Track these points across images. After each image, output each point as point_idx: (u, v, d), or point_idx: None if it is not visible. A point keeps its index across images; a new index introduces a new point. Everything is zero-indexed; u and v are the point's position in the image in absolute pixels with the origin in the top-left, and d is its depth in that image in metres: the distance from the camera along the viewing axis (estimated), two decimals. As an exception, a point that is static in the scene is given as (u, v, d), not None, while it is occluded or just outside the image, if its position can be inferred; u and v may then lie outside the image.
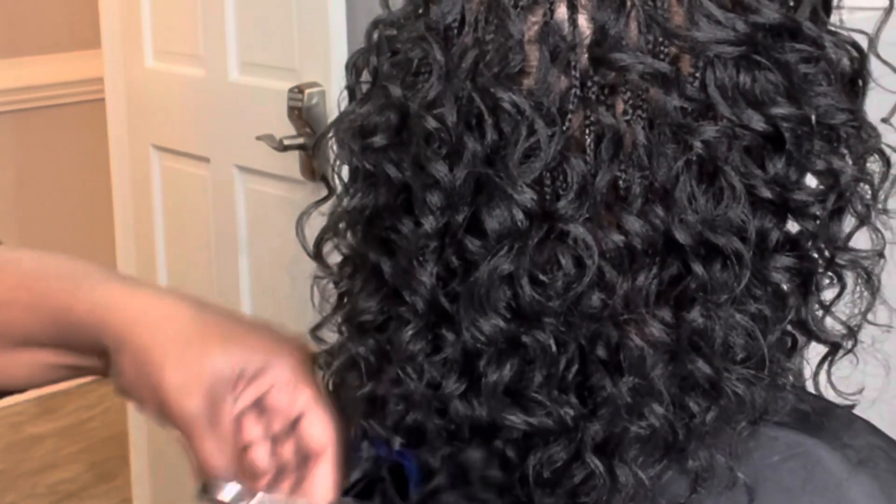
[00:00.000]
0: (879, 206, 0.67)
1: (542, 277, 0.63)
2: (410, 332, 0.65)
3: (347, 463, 0.72)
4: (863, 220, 0.67)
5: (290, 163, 2.06)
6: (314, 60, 2.00)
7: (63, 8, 3.61)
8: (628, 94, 0.62)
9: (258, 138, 2.06)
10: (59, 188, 3.67)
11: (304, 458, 0.71)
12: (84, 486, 3.17)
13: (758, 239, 0.63)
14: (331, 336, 0.73)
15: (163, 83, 2.41)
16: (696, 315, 0.63)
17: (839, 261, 0.67)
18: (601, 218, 0.63)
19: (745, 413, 0.65)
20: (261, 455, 0.71)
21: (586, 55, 0.62)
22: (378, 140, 0.66)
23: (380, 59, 0.67)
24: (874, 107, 0.68)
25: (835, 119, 0.64)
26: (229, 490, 0.69)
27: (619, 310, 0.63)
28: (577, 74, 0.62)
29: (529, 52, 0.63)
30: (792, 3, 0.65)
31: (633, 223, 0.62)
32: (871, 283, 0.68)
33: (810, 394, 0.71)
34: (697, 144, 0.62)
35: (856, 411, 0.72)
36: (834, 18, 0.67)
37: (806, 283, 0.67)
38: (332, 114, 0.70)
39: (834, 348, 0.69)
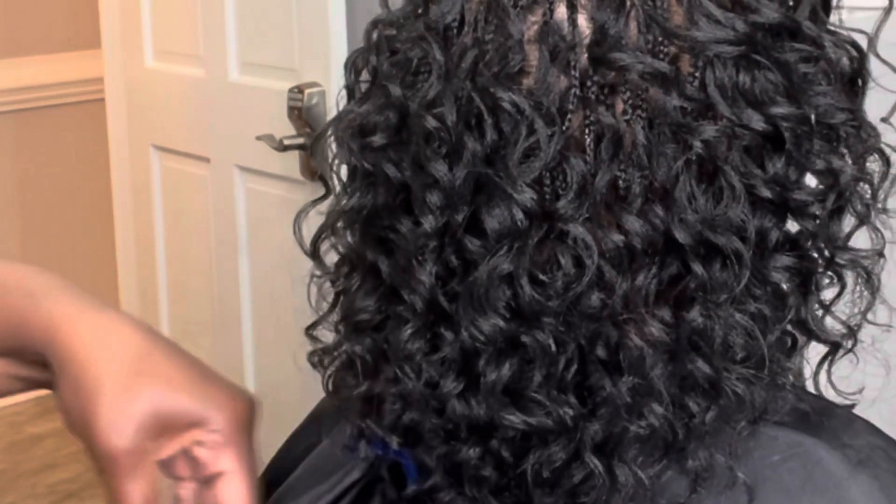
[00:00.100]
0: (879, 205, 0.67)
1: (541, 277, 0.63)
2: (409, 332, 0.65)
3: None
4: (862, 220, 0.67)
5: (290, 163, 2.06)
6: (314, 60, 2.00)
7: (63, 8, 3.61)
8: (628, 93, 0.62)
9: (258, 138, 2.06)
10: (60, 188, 3.67)
11: None
12: (84, 486, 3.17)
13: (757, 238, 0.63)
14: (328, 335, 0.73)
15: (163, 83, 2.41)
16: (695, 315, 0.63)
17: (839, 260, 0.67)
18: (601, 218, 0.63)
19: (745, 413, 0.65)
20: (185, 493, 0.71)
21: (586, 55, 0.62)
22: (377, 139, 0.66)
23: (379, 58, 0.67)
24: (874, 107, 0.68)
25: (834, 118, 0.64)
26: None
27: (619, 309, 0.63)
28: (577, 74, 0.62)
29: (529, 52, 0.63)
30: (791, 3, 0.65)
31: (633, 223, 0.62)
32: (870, 283, 0.68)
33: (810, 393, 0.71)
34: (697, 144, 0.62)
35: (856, 411, 0.72)
36: (834, 18, 0.67)
37: (806, 283, 0.67)
38: (332, 114, 0.70)
39: (834, 348, 0.69)
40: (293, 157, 2.05)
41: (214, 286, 2.33)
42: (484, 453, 0.66)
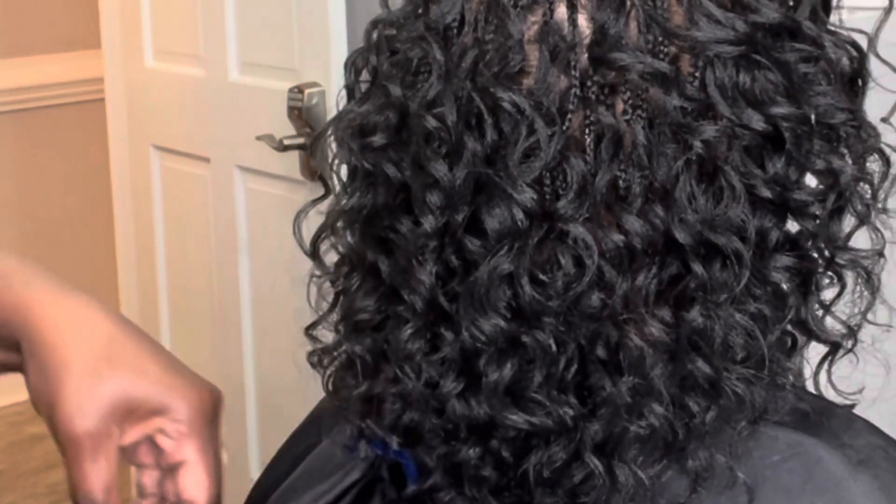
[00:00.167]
0: (879, 205, 0.67)
1: (541, 277, 0.63)
2: (409, 332, 0.65)
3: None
4: (862, 220, 0.67)
5: (290, 163, 2.06)
6: (314, 60, 2.00)
7: (63, 8, 3.61)
8: (628, 93, 0.62)
9: (258, 138, 2.06)
10: (60, 188, 3.67)
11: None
12: (84, 486, 3.17)
13: (757, 238, 0.63)
14: (328, 335, 0.73)
15: (163, 83, 2.41)
16: (695, 315, 0.63)
17: (839, 260, 0.67)
18: (601, 218, 0.63)
19: (745, 413, 0.65)
20: (147, 480, 0.71)
21: (586, 55, 0.62)
22: (377, 139, 0.66)
23: (379, 58, 0.67)
24: (874, 107, 0.68)
25: (834, 118, 0.64)
26: None
27: (619, 309, 0.63)
28: (577, 74, 0.62)
29: (529, 52, 0.63)
30: (791, 3, 0.65)
31: (633, 223, 0.62)
32: (871, 283, 0.68)
33: (810, 393, 0.71)
34: (697, 144, 0.62)
35: (856, 411, 0.72)
36: (834, 18, 0.67)
37: (806, 283, 0.67)
38: (332, 114, 0.70)
39: (834, 348, 0.69)
40: (293, 157, 2.05)
41: (214, 286, 2.33)
42: (484, 453, 0.66)
